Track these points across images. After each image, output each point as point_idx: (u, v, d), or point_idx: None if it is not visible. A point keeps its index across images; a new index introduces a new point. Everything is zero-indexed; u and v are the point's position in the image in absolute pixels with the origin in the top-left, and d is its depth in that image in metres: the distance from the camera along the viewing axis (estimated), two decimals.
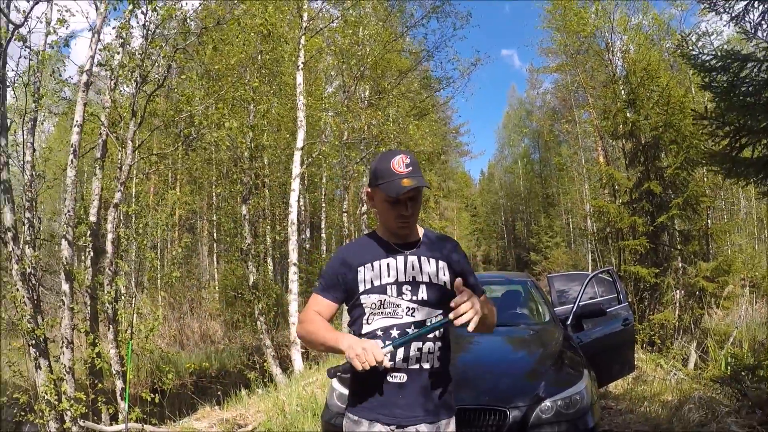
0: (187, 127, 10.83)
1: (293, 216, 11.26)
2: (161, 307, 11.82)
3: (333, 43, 14.78)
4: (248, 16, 10.84)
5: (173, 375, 8.10)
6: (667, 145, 13.42)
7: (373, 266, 2.14)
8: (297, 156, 11.32)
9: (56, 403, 6.30)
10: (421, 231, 2.24)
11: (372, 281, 2.13)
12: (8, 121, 6.65)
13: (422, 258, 2.16)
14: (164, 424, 7.76)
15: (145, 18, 7.68)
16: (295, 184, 11.21)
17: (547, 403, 3.46)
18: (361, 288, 2.13)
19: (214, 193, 21.45)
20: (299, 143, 11.37)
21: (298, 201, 11.80)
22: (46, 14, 7.09)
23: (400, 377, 2.07)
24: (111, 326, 7.51)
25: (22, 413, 6.42)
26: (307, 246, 19.00)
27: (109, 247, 7.57)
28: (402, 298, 2.11)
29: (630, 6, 19.43)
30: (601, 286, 6.75)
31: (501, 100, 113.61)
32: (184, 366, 11.02)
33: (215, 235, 22.25)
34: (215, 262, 22.93)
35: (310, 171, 16.68)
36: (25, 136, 6.94)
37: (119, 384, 7.41)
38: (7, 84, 6.73)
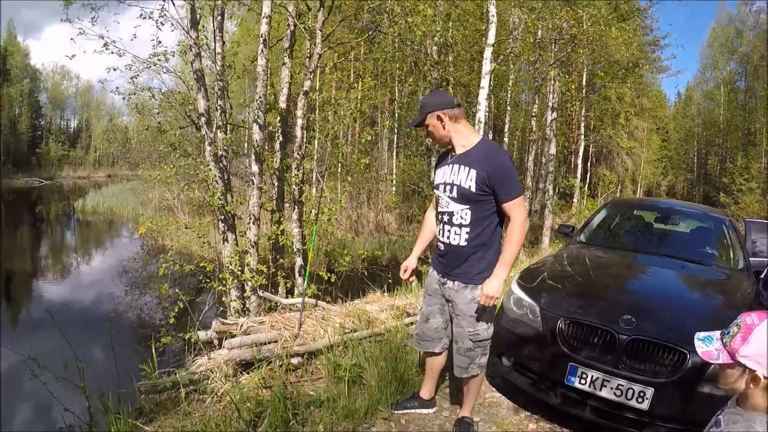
0: (376, 15, 10.63)
1: (480, 114, 10.89)
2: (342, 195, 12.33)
3: None
4: None
5: (349, 258, 8.44)
6: None
7: (437, 170, 3.26)
8: (488, 52, 10.80)
9: (239, 273, 7.01)
10: (472, 144, 3.08)
11: (435, 180, 3.27)
12: (198, 15, 7.04)
13: (460, 166, 3.07)
14: (336, 303, 8.35)
15: None
16: (485, 82, 10.72)
17: None
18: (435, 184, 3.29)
19: (396, 89, 21.61)
20: (490, 39, 10.78)
21: (487, 99, 11.28)
22: None
23: (441, 246, 3.22)
24: (296, 207, 8.06)
25: (207, 280, 7.15)
26: None
27: (298, 132, 7.98)
28: (444, 194, 3.15)
29: None
30: None
31: (709, 13, 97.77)
32: (357, 252, 11.59)
33: (396, 129, 22.67)
34: (394, 157, 23.53)
35: (499, 71, 15.88)
36: (215, 28, 7.36)
37: (299, 261, 8.04)
38: None
